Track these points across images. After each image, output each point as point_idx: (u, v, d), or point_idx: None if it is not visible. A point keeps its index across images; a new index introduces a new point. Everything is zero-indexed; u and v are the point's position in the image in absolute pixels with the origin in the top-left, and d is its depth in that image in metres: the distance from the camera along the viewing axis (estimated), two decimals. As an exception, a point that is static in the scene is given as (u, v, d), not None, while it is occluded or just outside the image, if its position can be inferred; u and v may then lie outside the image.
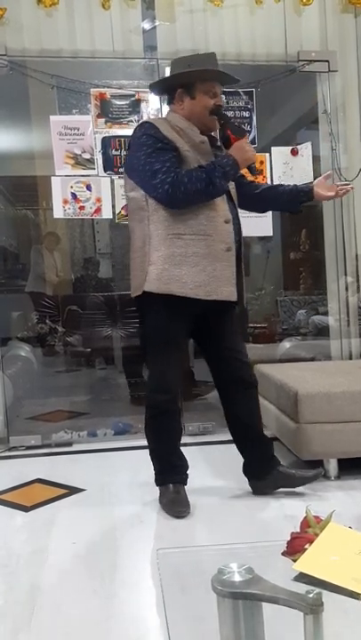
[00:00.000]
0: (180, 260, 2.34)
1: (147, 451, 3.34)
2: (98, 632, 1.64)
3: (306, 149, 3.68)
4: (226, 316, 2.50)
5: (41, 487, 2.87)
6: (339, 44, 3.72)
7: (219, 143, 2.51)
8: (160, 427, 2.51)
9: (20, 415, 4.11)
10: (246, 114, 3.62)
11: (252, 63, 3.65)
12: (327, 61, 3.63)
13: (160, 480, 2.54)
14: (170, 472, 2.53)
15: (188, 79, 2.42)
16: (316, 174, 3.54)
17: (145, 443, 3.46)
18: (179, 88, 2.44)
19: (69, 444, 3.55)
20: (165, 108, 3.62)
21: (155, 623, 1.62)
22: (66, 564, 2.06)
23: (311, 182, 2.69)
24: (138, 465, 3.14)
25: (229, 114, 3.61)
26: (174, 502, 2.45)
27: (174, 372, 2.49)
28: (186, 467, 2.56)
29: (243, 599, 0.96)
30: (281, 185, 2.76)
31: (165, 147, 2.34)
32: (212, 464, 3.11)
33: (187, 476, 2.55)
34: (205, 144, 2.43)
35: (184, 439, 3.51)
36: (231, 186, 2.47)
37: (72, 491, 2.77)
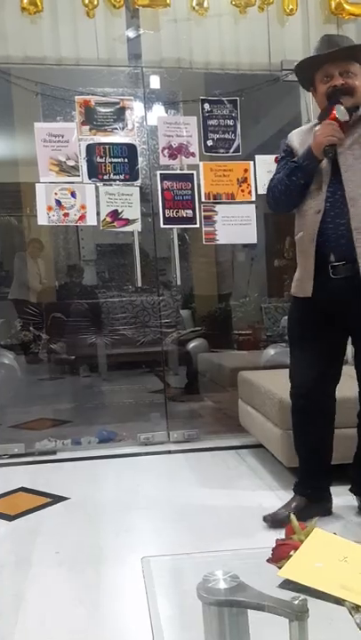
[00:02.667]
0: (299, 262, 2.38)
1: (130, 458, 3.38)
2: (82, 642, 1.63)
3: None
4: None
5: (25, 496, 2.84)
6: (321, 55, 3.76)
7: None
8: (295, 426, 2.44)
9: (2, 423, 4.08)
10: (230, 122, 3.64)
11: (236, 72, 3.68)
12: (310, 71, 3.66)
13: (294, 488, 2.45)
14: (301, 483, 2.43)
15: (307, 75, 2.33)
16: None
17: (129, 450, 3.50)
18: (310, 88, 2.38)
19: (53, 452, 3.52)
20: (149, 116, 3.67)
21: (140, 631, 1.61)
22: (50, 573, 2.04)
23: None
24: (122, 473, 3.13)
25: (213, 122, 3.63)
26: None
27: (300, 370, 2.37)
28: (322, 489, 2.41)
29: (228, 606, 0.96)
30: None
31: (284, 155, 2.40)
32: (198, 471, 3.11)
33: (320, 497, 2.39)
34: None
35: (168, 446, 3.54)
36: (347, 168, 2.22)
37: (56, 499, 2.75)
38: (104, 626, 1.70)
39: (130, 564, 2.02)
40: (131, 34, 3.59)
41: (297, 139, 2.38)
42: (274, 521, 2.31)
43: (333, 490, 2.44)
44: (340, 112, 2.18)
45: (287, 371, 2.47)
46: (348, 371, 2.38)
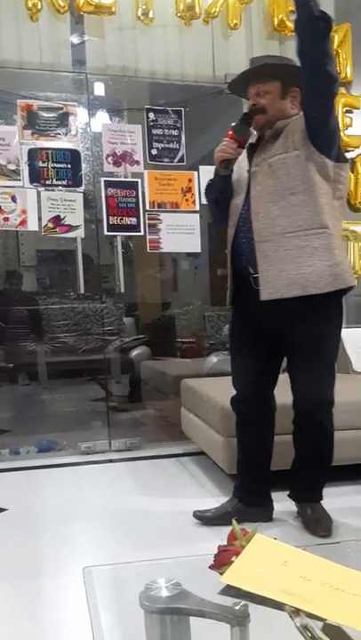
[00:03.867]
0: None
1: (71, 468, 3.33)
2: (20, 657, 1.59)
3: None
4: (288, 330, 2.30)
5: None
6: (264, 69, 3.84)
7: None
8: (236, 431, 2.50)
9: None
10: (175, 132, 3.67)
11: (181, 83, 3.72)
12: (253, 85, 3.74)
13: (233, 491, 2.53)
14: (240, 487, 2.50)
15: (244, 96, 2.45)
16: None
17: (70, 460, 3.45)
18: None
19: (-9, 462, 3.43)
20: (93, 123, 3.66)
21: (80, 644, 1.59)
22: (-14, 587, 1.98)
23: None
24: (62, 483, 3.08)
25: (158, 131, 3.65)
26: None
27: (238, 376, 2.45)
28: (263, 495, 2.47)
29: (170, 614, 0.96)
30: None
31: None
32: (139, 480, 3.09)
33: (261, 502, 2.45)
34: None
35: (110, 455, 3.51)
36: (256, 184, 2.29)
37: (-7, 511, 2.68)
38: (45, 638, 1.66)
39: (70, 575, 1.99)
40: (75, 40, 3.57)
41: None
42: (201, 517, 2.46)
43: (272, 496, 2.47)
44: (236, 130, 2.30)
45: (229, 378, 2.50)
46: (285, 378, 2.42)
